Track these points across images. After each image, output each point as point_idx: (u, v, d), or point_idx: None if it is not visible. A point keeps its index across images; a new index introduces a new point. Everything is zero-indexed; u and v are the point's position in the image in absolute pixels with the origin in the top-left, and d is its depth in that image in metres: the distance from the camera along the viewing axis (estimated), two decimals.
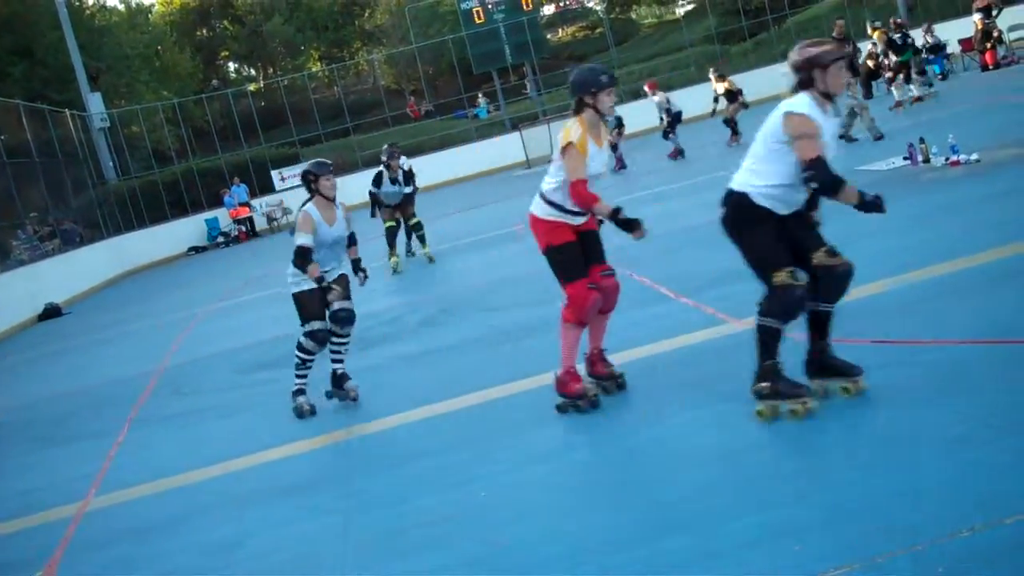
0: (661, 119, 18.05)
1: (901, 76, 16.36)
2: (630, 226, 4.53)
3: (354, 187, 18.86)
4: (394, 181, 11.68)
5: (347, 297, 5.77)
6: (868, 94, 16.23)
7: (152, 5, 44.51)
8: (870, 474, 3.33)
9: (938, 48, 21.39)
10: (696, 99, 22.58)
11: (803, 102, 3.95)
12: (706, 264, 7.42)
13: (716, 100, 17.85)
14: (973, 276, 5.43)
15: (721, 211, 4.15)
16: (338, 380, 5.97)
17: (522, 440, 4.56)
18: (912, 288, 5.50)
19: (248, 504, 4.60)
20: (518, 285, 8.70)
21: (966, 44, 22.27)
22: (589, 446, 4.27)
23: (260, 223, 27.23)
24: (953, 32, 23.04)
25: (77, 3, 33.66)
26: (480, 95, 35.37)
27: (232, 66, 48.53)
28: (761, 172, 4.03)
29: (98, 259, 22.54)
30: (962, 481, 3.11)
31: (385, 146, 12.30)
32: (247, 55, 46.04)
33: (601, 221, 4.77)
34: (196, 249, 26.16)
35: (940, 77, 20.93)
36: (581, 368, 4.84)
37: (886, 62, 16.47)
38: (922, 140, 9.80)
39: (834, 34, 12.88)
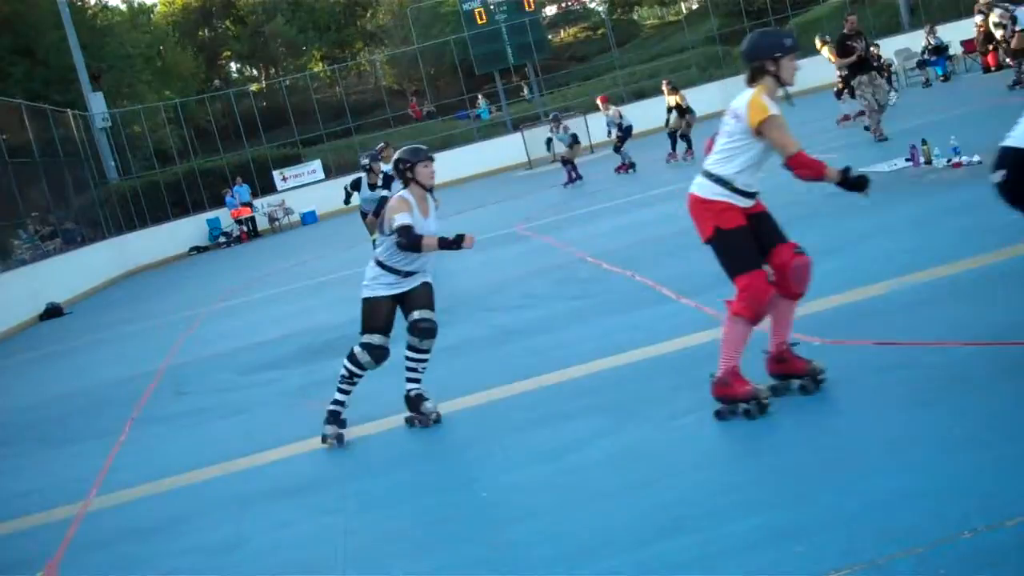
0: (610, 133, 17.91)
1: (846, 91, 16.33)
2: (860, 185, 4.14)
3: None
4: (373, 187, 10.60)
5: (430, 307, 5.13)
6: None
7: (154, 5, 44.58)
8: (871, 476, 3.32)
9: (940, 50, 21.39)
10: (699, 101, 22.52)
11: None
12: (707, 265, 7.42)
13: (669, 112, 17.37)
14: (975, 278, 5.42)
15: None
16: (414, 402, 5.17)
17: (522, 441, 4.56)
18: (914, 290, 5.49)
19: (249, 504, 4.59)
20: (519, 285, 8.70)
21: (968, 45, 22.25)
22: (589, 447, 4.27)
23: (262, 223, 27.25)
24: (955, 34, 23.03)
25: (79, 3, 33.70)
26: (480, 96, 35.40)
27: (234, 66, 48.61)
28: None
29: (99, 259, 22.56)
30: (963, 483, 3.10)
31: (380, 145, 11.75)
32: (249, 55, 46.10)
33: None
34: (198, 249, 26.19)
35: (942, 79, 20.94)
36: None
37: (840, 74, 16.42)
38: (924, 142, 9.79)
39: (845, 30, 12.79)
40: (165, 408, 7.24)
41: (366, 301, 5.08)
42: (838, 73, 15.91)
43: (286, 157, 30.15)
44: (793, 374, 4.24)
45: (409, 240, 4.87)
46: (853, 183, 4.13)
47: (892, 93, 17.17)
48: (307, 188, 27.88)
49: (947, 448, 3.40)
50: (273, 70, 45.34)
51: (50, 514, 5.12)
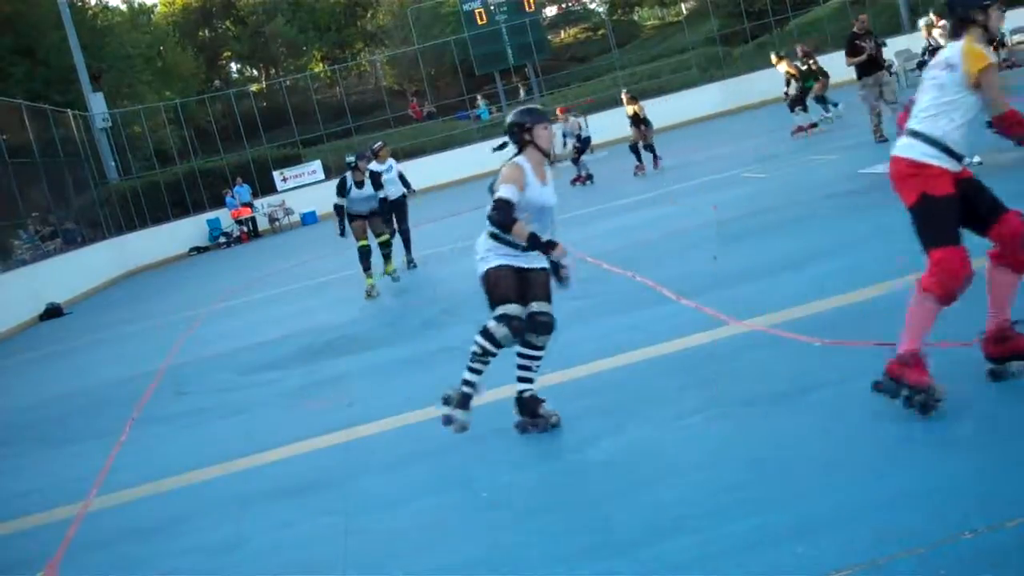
0: (565, 144, 17.68)
1: (799, 106, 16.41)
2: None
3: None
4: (360, 184, 10.06)
5: (548, 298, 4.55)
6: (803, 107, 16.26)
7: (154, 5, 44.61)
8: (871, 476, 3.32)
9: (940, 51, 21.36)
10: (700, 102, 22.60)
11: None
12: (707, 266, 7.43)
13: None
14: (976, 279, 5.41)
15: None
16: (529, 405, 4.62)
17: (523, 441, 4.56)
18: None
19: (249, 504, 4.59)
20: None
21: None
22: (590, 447, 4.27)
23: (262, 223, 27.26)
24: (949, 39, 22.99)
25: (79, 3, 33.69)
26: (480, 96, 35.41)
27: (234, 66, 48.62)
28: None
29: (100, 259, 22.56)
30: (964, 484, 3.11)
31: (378, 144, 11.55)
32: (249, 56, 46.12)
33: None
34: (198, 249, 26.19)
35: None
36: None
37: (786, 90, 16.48)
38: None
39: (855, 28, 12.78)
40: (165, 408, 7.24)
41: (487, 274, 4.52)
42: (785, 90, 16.26)
43: (286, 157, 30.16)
44: (1017, 354, 3.87)
45: (502, 218, 4.38)
46: None
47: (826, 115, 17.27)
48: (307, 188, 27.88)
49: (947, 449, 3.40)
50: (273, 70, 45.37)
51: (50, 514, 5.12)
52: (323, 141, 31.87)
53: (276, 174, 28.65)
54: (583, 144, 17.63)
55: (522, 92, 36.57)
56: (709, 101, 28.64)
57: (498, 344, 4.44)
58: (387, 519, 4.01)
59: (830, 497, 3.25)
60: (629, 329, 6.11)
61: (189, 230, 26.63)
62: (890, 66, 16.88)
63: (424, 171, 26.31)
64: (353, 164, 10.10)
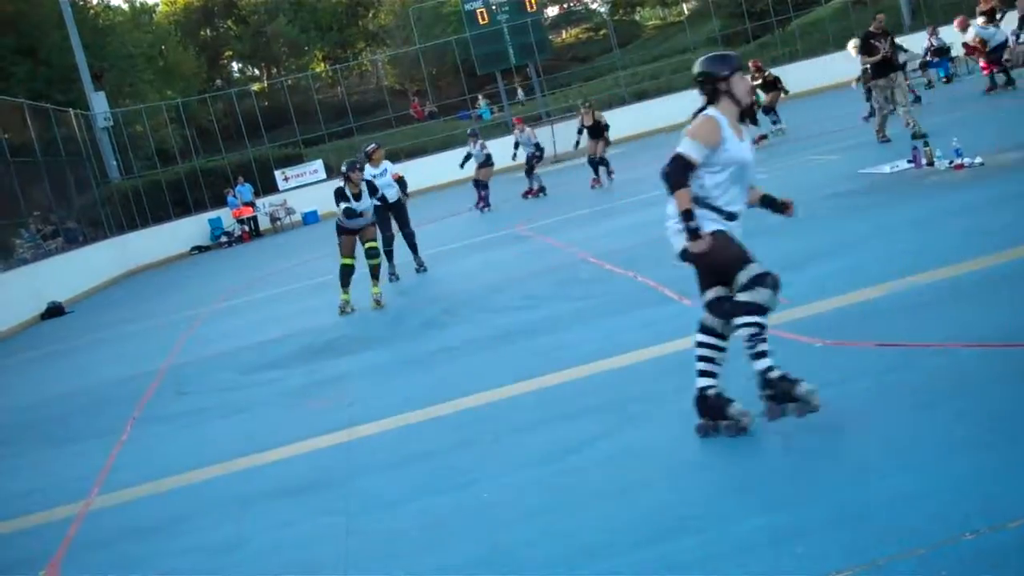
0: (515, 156, 17.53)
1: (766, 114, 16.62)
2: None
3: None
4: (357, 196, 9.23)
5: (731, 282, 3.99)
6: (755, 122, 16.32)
7: (156, 5, 44.65)
8: (873, 477, 3.32)
9: (942, 51, 21.36)
10: (699, 102, 22.46)
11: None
12: None
13: (580, 133, 16.95)
14: (976, 279, 5.42)
15: None
16: (714, 405, 4.02)
17: (523, 441, 4.56)
18: (915, 291, 5.49)
19: (249, 504, 4.59)
20: (521, 286, 8.70)
21: (968, 49, 22.21)
22: (590, 447, 4.26)
23: (263, 223, 27.27)
24: (957, 35, 22.99)
25: (81, 3, 33.72)
26: (481, 96, 35.39)
27: (236, 66, 48.69)
28: None
29: (101, 258, 22.57)
30: (965, 485, 3.10)
31: (372, 146, 11.25)
32: (251, 55, 46.17)
33: None
34: (199, 249, 26.20)
35: (945, 80, 20.91)
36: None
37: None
38: (926, 143, 9.79)
39: (872, 28, 12.76)
40: (166, 407, 7.25)
41: (714, 238, 3.91)
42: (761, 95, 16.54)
43: (288, 157, 30.17)
44: None
45: (676, 174, 3.88)
46: None
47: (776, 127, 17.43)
48: (309, 188, 27.88)
49: (949, 449, 3.40)
50: (275, 70, 45.41)
51: (51, 513, 5.12)
52: (324, 141, 31.88)
53: (278, 173, 28.66)
54: (540, 154, 17.55)
55: (520, 93, 36.54)
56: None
57: (770, 307, 3.86)
58: (387, 519, 4.01)
59: (830, 497, 3.25)
60: (630, 329, 6.11)
61: (190, 229, 26.63)
62: (904, 66, 16.91)
63: (425, 171, 26.34)
64: (346, 175, 9.26)
